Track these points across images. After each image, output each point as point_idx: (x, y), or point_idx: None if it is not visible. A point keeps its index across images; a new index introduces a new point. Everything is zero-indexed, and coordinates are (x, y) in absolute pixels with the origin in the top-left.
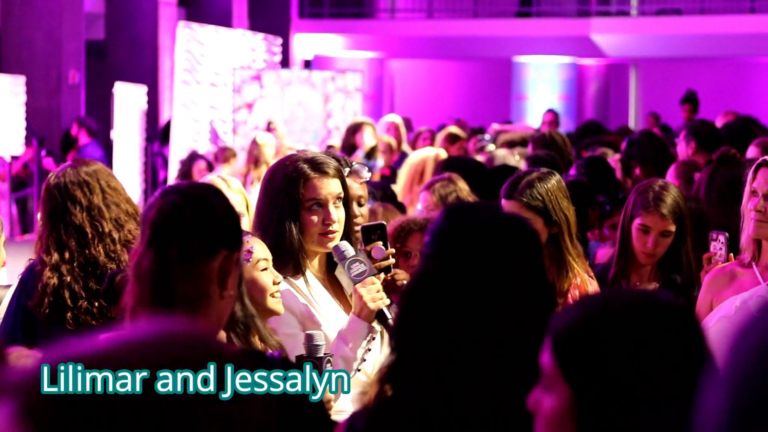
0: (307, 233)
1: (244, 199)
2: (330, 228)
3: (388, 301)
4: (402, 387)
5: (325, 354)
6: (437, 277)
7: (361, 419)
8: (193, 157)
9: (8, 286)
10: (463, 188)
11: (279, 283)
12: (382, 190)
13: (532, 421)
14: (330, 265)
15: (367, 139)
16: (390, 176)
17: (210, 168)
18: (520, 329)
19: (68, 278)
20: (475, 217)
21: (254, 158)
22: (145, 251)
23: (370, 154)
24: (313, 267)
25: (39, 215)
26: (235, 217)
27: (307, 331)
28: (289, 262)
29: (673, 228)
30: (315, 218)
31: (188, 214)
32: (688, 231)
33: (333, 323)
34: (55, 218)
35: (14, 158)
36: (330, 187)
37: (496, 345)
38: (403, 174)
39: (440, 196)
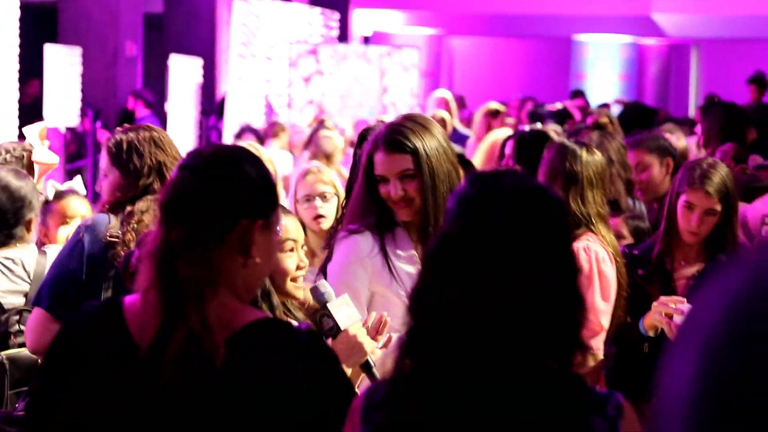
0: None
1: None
2: (395, 201)
3: (370, 348)
4: (421, 358)
5: (337, 298)
6: (459, 240)
7: (379, 392)
8: (244, 130)
9: None
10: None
11: (303, 267)
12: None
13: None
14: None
15: None
16: None
17: (261, 142)
18: (542, 297)
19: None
20: (499, 182)
21: (325, 153)
22: (156, 230)
23: None
24: (409, 224)
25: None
26: (260, 183)
27: (311, 286)
28: (383, 220)
29: (718, 207)
30: (383, 191)
31: (196, 195)
32: (735, 211)
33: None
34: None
35: (69, 130)
36: (391, 163)
37: (518, 313)
38: (479, 155)
39: None
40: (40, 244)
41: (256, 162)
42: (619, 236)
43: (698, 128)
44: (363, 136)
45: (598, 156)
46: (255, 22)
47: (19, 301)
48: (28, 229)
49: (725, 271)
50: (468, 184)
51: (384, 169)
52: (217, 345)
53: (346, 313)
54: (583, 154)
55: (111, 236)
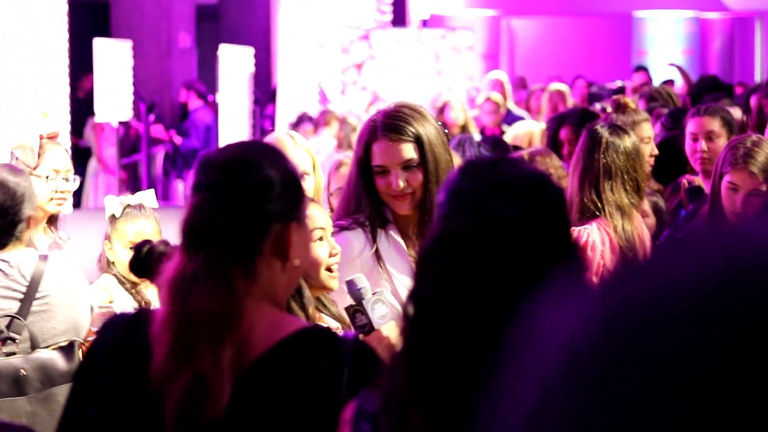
0: (381, 193)
1: (310, 157)
2: (396, 192)
3: None
4: (418, 365)
5: (372, 295)
6: (456, 239)
7: (373, 402)
8: (302, 119)
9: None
10: (557, 164)
11: (336, 254)
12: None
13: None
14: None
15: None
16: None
17: (315, 130)
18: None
19: None
20: (495, 173)
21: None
22: (177, 258)
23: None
24: (402, 223)
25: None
26: (288, 186)
27: (347, 278)
28: (375, 218)
29: (764, 187)
30: (381, 183)
31: (220, 219)
32: None
33: (398, 282)
34: None
35: (122, 124)
36: (393, 153)
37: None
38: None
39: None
40: (105, 260)
41: (277, 160)
42: (642, 215)
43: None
44: None
45: (627, 142)
46: (305, 8)
47: (13, 306)
48: (28, 227)
49: (581, 293)
50: (461, 175)
51: (385, 158)
52: (224, 389)
53: (380, 311)
54: (606, 139)
55: None
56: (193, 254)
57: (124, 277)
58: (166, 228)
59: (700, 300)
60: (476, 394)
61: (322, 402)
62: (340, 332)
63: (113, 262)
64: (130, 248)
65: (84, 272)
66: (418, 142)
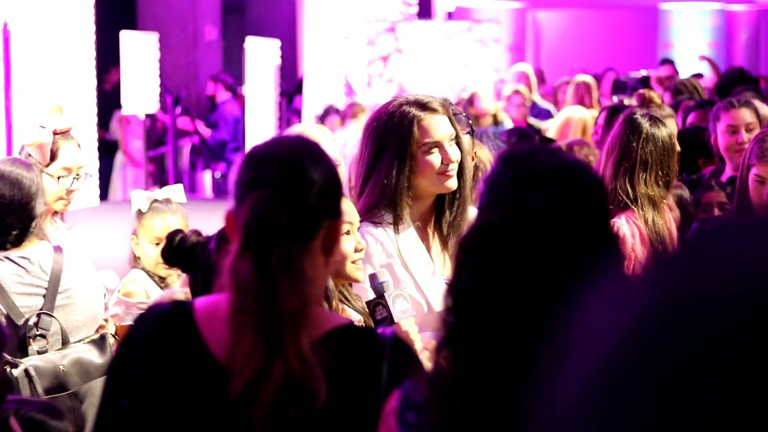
0: (423, 176)
1: (336, 149)
2: (449, 167)
3: (419, 347)
4: (461, 355)
5: (394, 289)
6: (491, 231)
7: (418, 391)
8: (329, 111)
9: None
10: (595, 154)
11: (362, 249)
12: None
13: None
14: (438, 216)
15: (486, 105)
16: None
17: (342, 123)
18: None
19: None
20: (534, 163)
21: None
22: (240, 255)
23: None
24: (417, 217)
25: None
26: (334, 182)
27: (370, 272)
28: (389, 212)
29: None
30: (433, 159)
31: (283, 213)
32: None
33: (424, 279)
34: None
35: (149, 116)
36: (443, 126)
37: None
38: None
39: None
40: (132, 255)
41: (322, 156)
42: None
43: None
44: None
45: (663, 132)
46: (332, 1)
47: (37, 302)
48: (42, 222)
49: (624, 284)
50: (499, 166)
51: (439, 132)
52: (320, 380)
53: (401, 306)
54: (646, 130)
55: None
56: (263, 249)
57: (151, 272)
58: (193, 220)
59: (749, 290)
60: (519, 386)
61: (364, 396)
62: (362, 325)
63: (139, 258)
64: (156, 244)
65: (103, 264)
66: (450, 119)
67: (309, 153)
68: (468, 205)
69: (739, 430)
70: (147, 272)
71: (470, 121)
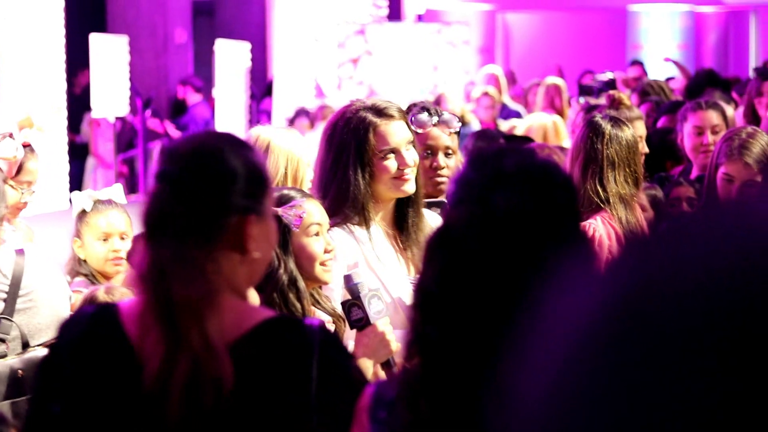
0: (380, 181)
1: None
2: (405, 172)
3: (395, 347)
4: (428, 354)
5: (369, 290)
6: (457, 230)
7: (389, 389)
8: (298, 114)
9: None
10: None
11: (331, 251)
12: None
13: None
14: (398, 218)
15: (452, 106)
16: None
17: (312, 125)
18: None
19: None
20: (502, 162)
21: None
22: (143, 250)
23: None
24: (380, 220)
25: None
26: (247, 175)
27: (345, 273)
28: (354, 216)
29: (759, 179)
30: (389, 165)
31: (179, 208)
32: None
33: (392, 279)
34: None
35: (119, 119)
36: (400, 132)
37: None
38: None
39: None
40: (76, 260)
41: (242, 151)
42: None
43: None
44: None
45: (627, 132)
46: (301, 3)
47: None
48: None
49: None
50: (468, 166)
51: (395, 139)
52: (225, 366)
53: (376, 307)
54: (608, 131)
55: None
56: (159, 243)
57: (96, 273)
58: None
59: (719, 272)
60: (485, 383)
61: (293, 391)
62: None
63: (85, 260)
64: (104, 240)
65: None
66: (406, 122)
67: (219, 148)
68: (422, 207)
69: (723, 414)
70: (90, 276)
71: (459, 121)
